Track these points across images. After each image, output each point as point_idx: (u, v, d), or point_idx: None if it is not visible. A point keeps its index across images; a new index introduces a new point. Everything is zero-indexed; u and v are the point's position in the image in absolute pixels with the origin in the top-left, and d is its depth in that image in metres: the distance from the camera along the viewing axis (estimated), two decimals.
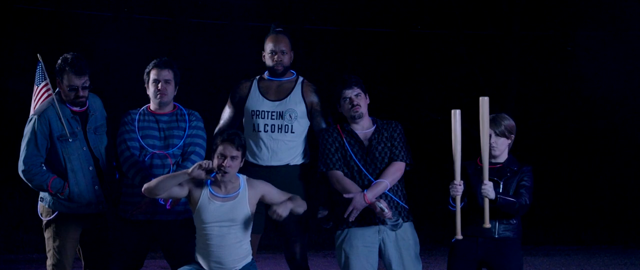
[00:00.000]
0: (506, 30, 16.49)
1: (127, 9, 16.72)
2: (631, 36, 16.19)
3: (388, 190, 5.20)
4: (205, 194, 4.80)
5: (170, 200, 5.05)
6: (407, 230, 5.25)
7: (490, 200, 4.93)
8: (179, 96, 5.45)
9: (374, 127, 5.32)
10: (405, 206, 5.28)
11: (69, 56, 5.21)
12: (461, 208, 5.01)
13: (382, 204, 5.06)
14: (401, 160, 5.25)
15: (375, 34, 17.75)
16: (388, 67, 16.97)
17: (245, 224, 4.83)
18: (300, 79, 5.57)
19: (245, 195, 4.82)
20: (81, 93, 5.20)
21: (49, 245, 5.28)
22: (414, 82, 17.09)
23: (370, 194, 5.10)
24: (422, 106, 16.24)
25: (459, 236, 5.01)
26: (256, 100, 5.47)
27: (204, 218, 4.78)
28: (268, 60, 5.50)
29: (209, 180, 4.82)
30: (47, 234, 5.29)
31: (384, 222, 5.15)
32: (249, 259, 4.92)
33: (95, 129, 5.30)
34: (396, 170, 5.22)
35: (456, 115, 5.01)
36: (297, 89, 5.49)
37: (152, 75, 5.29)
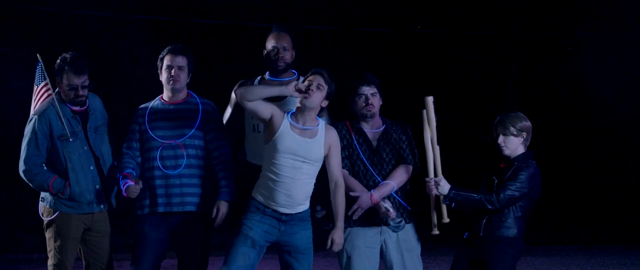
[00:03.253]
0: (506, 30, 16.49)
1: (127, 9, 16.73)
2: (631, 36, 16.18)
3: (393, 192, 5.20)
4: (285, 123, 4.88)
5: (127, 185, 5.09)
6: (409, 232, 5.25)
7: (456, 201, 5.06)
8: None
9: (383, 127, 5.31)
10: (408, 207, 5.28)
11: (67, 55, 5.21)
12: (461, 204, 5.10)
13: (387, 204, 5.07)
14: (409, 164, 5.26)
15: (375, 34, 17.75)
16: (388, 67, 16.97)
17: (317, 163, 4.93)
18: (301, 79, 5.57)
19: (322, 136, 4.93)
20: (81, 92, 5.20)
21: (50, 245, 5.28)
22: (413, 82, 17.09)
23: (377, 194, 5.11)
24: (422, 106, 16.22)
25: (436, 232, 5.13)
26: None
27: (280, 147, 4.83)
28: (270, 57, 5.50)
29: (289, 112, 4.94)
30: (48, 234, 5.28)
31: (387, 223, 5.16)
32: (308, 204, 4.99)
33: (96, 129, 5.29)
34: (404, 173, 5.23)
35: (425, 114, 5.15)
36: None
37: (166, 61, 5.26)
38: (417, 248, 5.28)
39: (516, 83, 16.56)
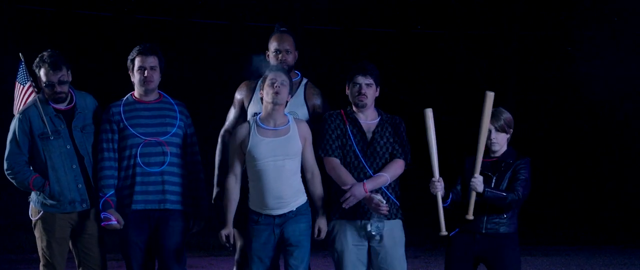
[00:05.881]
0: (506, 30, 16.50)
1: (127, 9, 16.73)
2: (631, 36, 16.18)
3: (384, 187, 5.16)
4: (253, 133, 4.96)
5: (109, 223, 5.12)
6: (394, 227, 5.19)
7: (479, 194, 5.01)
8: (181, 94, 5.43)
9: (378, 119, 5.26)
10: (397, 202, 5.23)
11: (45, 53, 5.18)
12: (456, 203, 5.10)
13: (379, 197, 5.06)
14: (402, 158, 5.25)
15: (375, 34, 17.75)
16: (388, 67, 16.98)
17: (297, 157, 4.99)
18: (304, 80, 5.52)
19: (295, 130, 4.99)
20: (58, 88, 5.14)
21: (39, 245, 5.27)
22: (414, 82, 17.10)
23: (370, 185, 5.08)
24: (422, 106, 16.21)
25: (444, 232, 5.07)
26: (259, 102, 5.44)
27: (257, 155, 4.91)
28: (272, 60, 5.43)
29: (258, 115, 5.03)
30: (36, 234, 5.27)
31: (368, 218, 5.13)
32: (304, 198, 5.04)
33: (83, 128, 5.23)
34: (397, 167, 5.21)
35: (429, 113, 5.11)
36: (300, 92, 5.43)
37: (137, 62, 5.20)
38: (401, 244, 5.21)
39: (516, 83, 16.56)
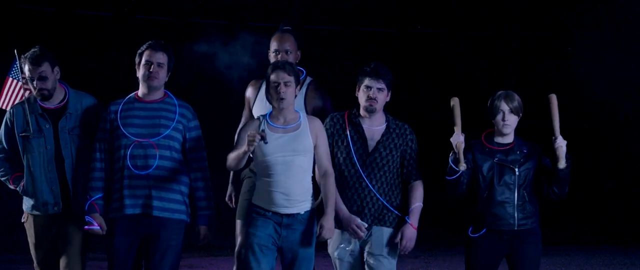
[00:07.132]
0: (506, 30, 16.48)
1: (127, 9, 16.71)
2: (631, 36, 16.17)
3: (381, 196, 5.03)
4: (263, 128, 4.80)
5: (91, 228, 4.99)
6: (385, 235, 5.07)
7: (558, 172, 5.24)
8: (184, 95, 5.38)
9: (384, 126, 5.10)
10: (395, 212, 5.09)
11: (32, 49, 5.13)
12: (461, 185, 5.04)
13: (359, 222, 5.01)
14: (420, 179, 5.13)
15: (375, 34, 17.73)
16: (388, 67, 16.96)
17: (308, 154, 4.83)
18: (308, 80, 5.46)
19: (307, 127, 4.84)
20: (37, 84, 5.06)
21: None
22: (414, 82, 17.09)
23: (415, 221, 5.03)
24: (423, 106, 16.24)
25: (463, 165, 4.95)
26: (262, 104, 5.37)
27: (265, 151, 4.76)
28: (272, 60, 5.36)
29: (267, 114, 4.89)
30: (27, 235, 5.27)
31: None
32: (311, 201, 4.89)
33: (72, 129, 5.14)
34: (422, 190, 5.11)
35: (456, 101, 5.20)
36: (300, 96, 5.30)
37: (145, 56, 5.03)
38: (389, 251, 5.07)
39: (516, 83, 16.54)
